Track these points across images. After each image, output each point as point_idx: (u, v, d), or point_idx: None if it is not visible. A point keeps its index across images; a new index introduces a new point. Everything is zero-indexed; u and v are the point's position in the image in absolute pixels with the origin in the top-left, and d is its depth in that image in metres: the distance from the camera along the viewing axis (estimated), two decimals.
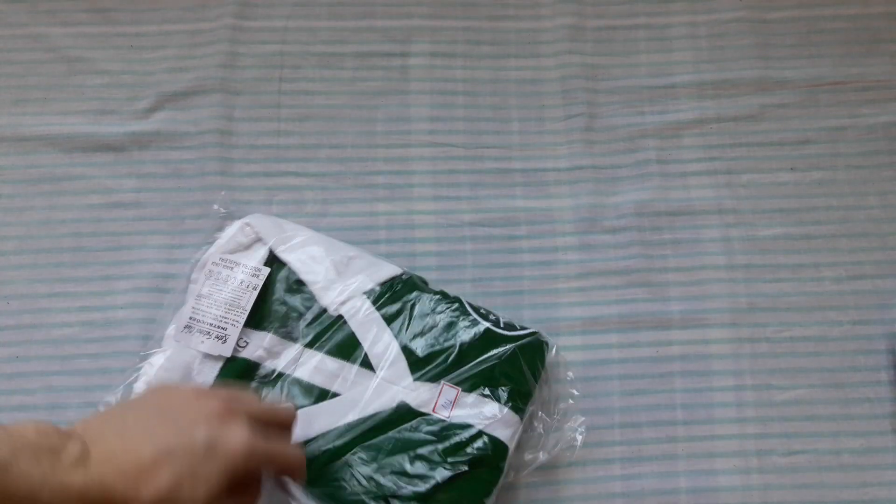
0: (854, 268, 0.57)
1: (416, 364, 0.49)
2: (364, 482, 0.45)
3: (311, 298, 0.51)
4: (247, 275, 0.51)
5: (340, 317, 0.50)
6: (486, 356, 0.49)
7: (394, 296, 0.51)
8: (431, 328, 0.50)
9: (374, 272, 0.52)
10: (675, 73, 0.62)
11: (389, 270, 0.52)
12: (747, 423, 0.53)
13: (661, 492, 0.51)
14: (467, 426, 0.47)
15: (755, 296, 0.56)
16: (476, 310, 0.51)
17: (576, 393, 0.52)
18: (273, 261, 0.52)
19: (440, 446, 0.46)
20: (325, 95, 0.61)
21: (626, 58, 0.62)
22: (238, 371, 0.49)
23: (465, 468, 0.45)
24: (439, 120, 0.60)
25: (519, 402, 0.48)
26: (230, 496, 0.38)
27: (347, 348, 0.49)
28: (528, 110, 0.61)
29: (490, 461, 0.46)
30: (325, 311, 0.50)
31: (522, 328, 0.50)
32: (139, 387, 0.49)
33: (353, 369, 0.49)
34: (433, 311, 0.50)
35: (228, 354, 0.49)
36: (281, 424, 0.44)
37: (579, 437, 0.50)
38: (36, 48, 0.61)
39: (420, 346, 0.49)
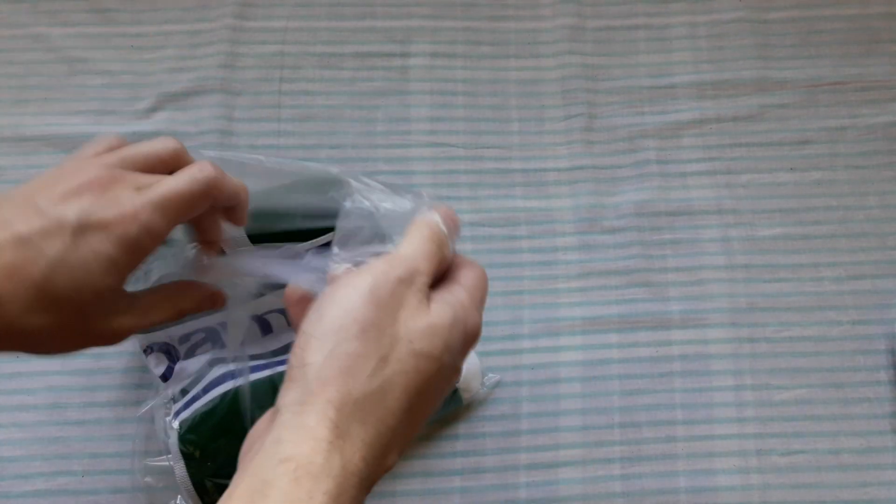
0: (853, 268, 0.57)
1: None
2: None
3: None
4: None
5: None
6: None
7: None
8: None
9: None
10: (675, 74, 0.62)
11: None
12: (747, 422, 0.53)
13: (661, 491, 0.51)
14: None
15: (755, 296, 0.56)
16: None
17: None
18: None
19: None
20: (325, 96, 0.61)
21: (625, 58, 0.62)
22: None
23: None
24: (439, 120, 0.60)
25: None
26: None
27: None
28: (528, 110, 0.61)
29: None
30: None
31: None
32: None
33: None
34: None
35: None
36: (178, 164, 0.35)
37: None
38: (36, 48, 0.61)
39: None
